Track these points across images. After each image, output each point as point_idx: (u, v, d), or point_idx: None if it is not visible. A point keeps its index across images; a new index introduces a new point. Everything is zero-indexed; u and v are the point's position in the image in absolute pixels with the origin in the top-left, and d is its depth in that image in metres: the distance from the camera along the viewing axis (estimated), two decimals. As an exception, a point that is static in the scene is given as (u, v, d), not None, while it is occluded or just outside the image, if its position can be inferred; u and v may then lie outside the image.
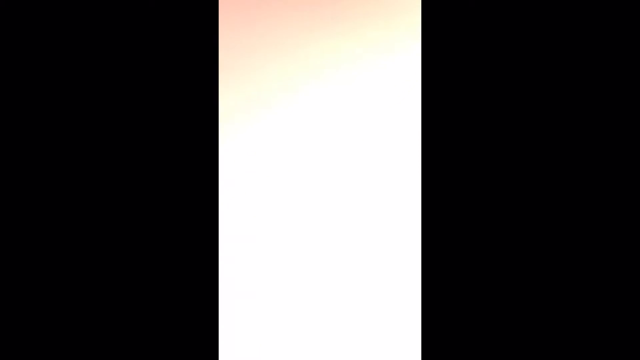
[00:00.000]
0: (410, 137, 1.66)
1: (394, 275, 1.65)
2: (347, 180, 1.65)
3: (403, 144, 1.66)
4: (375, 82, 1.66)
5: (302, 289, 1.64)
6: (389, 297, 1.65)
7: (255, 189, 1.67)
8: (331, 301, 1.65)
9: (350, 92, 1.66)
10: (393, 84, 1.67)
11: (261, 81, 1.68)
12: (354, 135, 1.66)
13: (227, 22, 1.68)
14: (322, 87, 1.67)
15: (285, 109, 1.68)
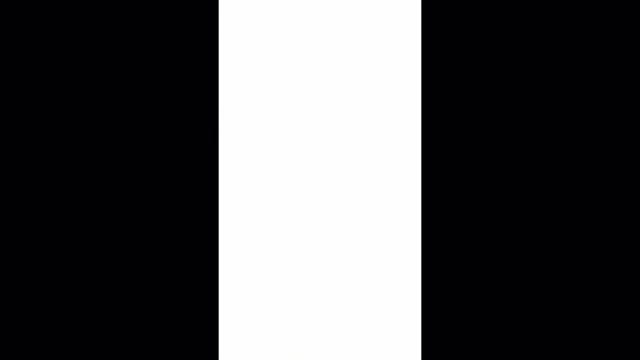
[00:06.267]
0: (410, 137, 1.66)
1: (394, 276, 1.65)
2: (346, 180, 1.65)
3: (403, 143, 1.66)
4: (375, 81, 1.66)
5: (302, 289, 1.64)
6: (390, 297, 1.65)
7: (255, 188, 1.67)
8: (332, 301, 1.65)
9: (350, 91, 1.66)
10: (393, 84, 1.67)
11: (261, 80, 1.68)
12: (354, 135, 1.66)
13: (228, 21, 1.68)
14: (322, 86, 1.67)
15: (286, 108, 1.68)
